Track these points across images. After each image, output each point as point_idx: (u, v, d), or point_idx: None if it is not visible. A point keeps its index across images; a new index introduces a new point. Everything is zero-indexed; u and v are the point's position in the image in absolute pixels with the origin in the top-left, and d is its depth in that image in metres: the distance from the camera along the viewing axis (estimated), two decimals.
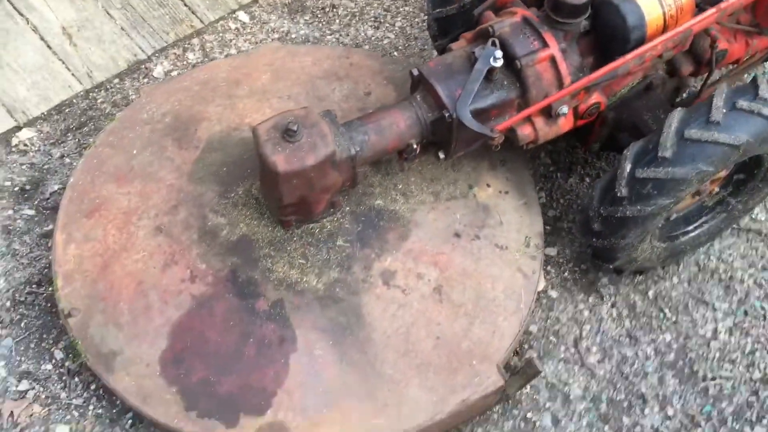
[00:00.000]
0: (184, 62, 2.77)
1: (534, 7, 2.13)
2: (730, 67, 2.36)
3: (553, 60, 2.00)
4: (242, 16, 2.92)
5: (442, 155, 2.13)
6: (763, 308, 2.37)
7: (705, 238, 2.37)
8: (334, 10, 2.99)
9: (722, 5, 1.87)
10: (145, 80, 2.71)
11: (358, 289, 2.05)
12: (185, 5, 2.86)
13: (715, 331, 2.33)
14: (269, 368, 1.94)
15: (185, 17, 2.83)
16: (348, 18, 2.98)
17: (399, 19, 2.99)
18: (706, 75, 2.25)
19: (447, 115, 1.98)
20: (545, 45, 2.00)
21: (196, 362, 1.94)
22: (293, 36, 2.89)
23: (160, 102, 2.36)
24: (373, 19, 2.98)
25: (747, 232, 2.51)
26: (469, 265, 2.11)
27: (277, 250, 2.07)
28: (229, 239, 2.08)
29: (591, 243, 2.16)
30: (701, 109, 1.94)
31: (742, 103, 1.90)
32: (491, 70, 1.97)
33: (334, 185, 1.99)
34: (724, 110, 1.91)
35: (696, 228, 2.33)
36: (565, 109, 2.02)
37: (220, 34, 2.86)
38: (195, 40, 2.83)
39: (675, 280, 2.42)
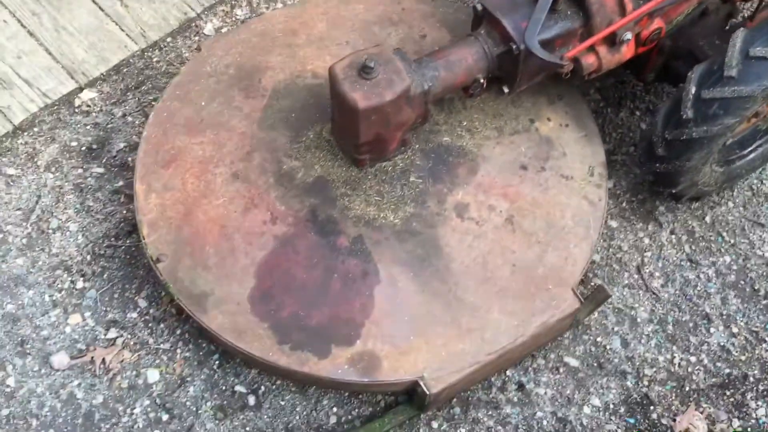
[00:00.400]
0: (233, 18, 2.80)
1: None
2: None
3: None
4: None
5: (506, 89, 2.17)
6: None
7: (759, 162, 2.43)
8: None
9: None
10: (197, 38, 2.75)
11: (434, 222, 2.11)
12: None
13: None
14: (355, 301, 2.01)
15: None
16: None
17: None
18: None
19: (514, 47, 2.02)
20: None
21: (285, 298, 2.01)
22: None
23: (221, 55, 2.40)
24: None
25: None
26: (538, 196, 2.17)
27: (353, 189, 2.12)
28: (305, 181, 2.14)
29: (654, 169, 2.21)
30: (764, 28, 1.99)
31: None
32: (555, 1, 2.01)
33: (408, 121, 2.04)
34: None
35: (751, 152, 2.39)
36: (628, 35, 2.06)
37: None
38: None
39: (730, 204, 2.48)
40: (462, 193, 2.15)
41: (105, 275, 2.30)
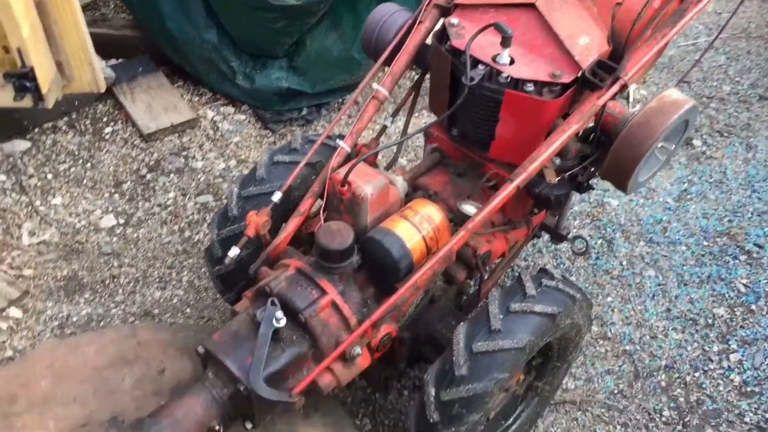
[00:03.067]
0: None
1: (308, 255, 2.19)
2: (499, 260, 2.52)
3: (334, 305, 2.03)
4: (14, 312, 2.72)
5: (249, 425, 2.02)
6: None
7: (528, 425, 2.41)
8: (115, 280, 2.89)
9: (469, 226, 2.01)
10: None
11: None
12: None
13: None
14: None
15: None
16: (131, 285, 2.88)
17: (185, 273, 2.94)
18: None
19: (242, 388, 1.90)
20: (323, 292, 2.03)
21: None
22: (74, 319, 2.73)
23: None
24: (158, 280, 2.91)
25: (562, 404, 2.60)
26: None
27: None
28: None
29: None
30: (481, 320, 2.02)
31: (515, 306, 2.01)
32: (277, 331, 1.95)
33: None
34: (501, 316, 2.00)
35: (516, 419, 2.37)
36: (358, 350, 2.02)
37: None
38: None
39: None
40: None
41: None
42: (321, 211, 2.21)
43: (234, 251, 2.17)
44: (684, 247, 3.15)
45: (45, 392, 2.21)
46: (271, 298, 2.00)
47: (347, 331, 2.03)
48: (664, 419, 2.57)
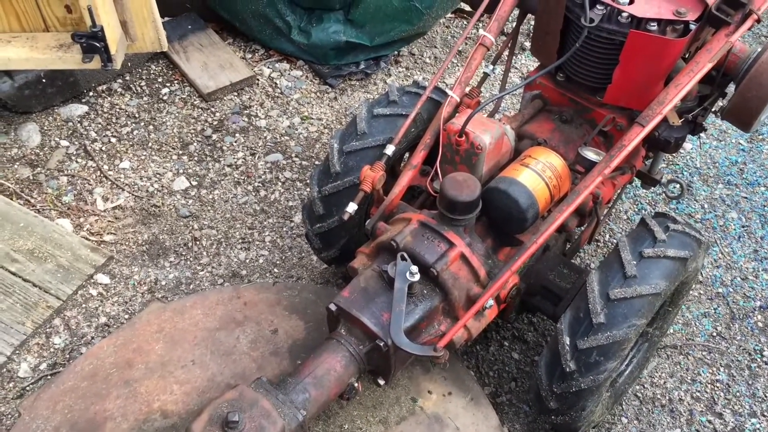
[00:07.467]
0: (51, 350, 2.45)
1: (423, 209, 2.15)
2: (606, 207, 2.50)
3: (464, 257, 2.00)
4: (101, 278, 2.67)
5: (382, 381, 2.01)
6: (709, 422, 2.41)
7: (637, 372, 2.41)
8: (198, 242, 2.84)
9: (605, 172, 1.97)
10: (11, 384, 2.35)
11: None
12: (35, 286, 2.57)
13: None
14: None
15: (38, 299, 2.54)
16: (215, 246, 2.83)
17: (267, 233, 2.89)
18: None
19: (382, 344, 1.87)
20: (452, 245, 1.99)
21: None
22: (163, 283, 2.69)
23: (47, 415, 2.04)
24: (240, 241, 2.86)
25: (664, 349, 2.60)
26: None
27: None
28: None
29: (551, 421, 2.10)
30: (613, 266, 2.00)
31: (648, 251, 1.99)
32: (410, 286, 1.92)
33: None
34: (635, 262, 1.97)
35: (628, 365, 2.37)
36: (491, 302, 2.00)
37: (83, 306, 2.58)
38: (56, 321, 2.53)
39: (624, 420, 2.41)
40: None
41: None
42: (437, 164, 2.16)
43: (352, 207, 2.12)
44: (763, 188, 3.13)
45: (160, 357, 2.18)
46: (400, 253, 1.96)
47: (477, 284, 2.01)
48: (765, 359, 2.57)
